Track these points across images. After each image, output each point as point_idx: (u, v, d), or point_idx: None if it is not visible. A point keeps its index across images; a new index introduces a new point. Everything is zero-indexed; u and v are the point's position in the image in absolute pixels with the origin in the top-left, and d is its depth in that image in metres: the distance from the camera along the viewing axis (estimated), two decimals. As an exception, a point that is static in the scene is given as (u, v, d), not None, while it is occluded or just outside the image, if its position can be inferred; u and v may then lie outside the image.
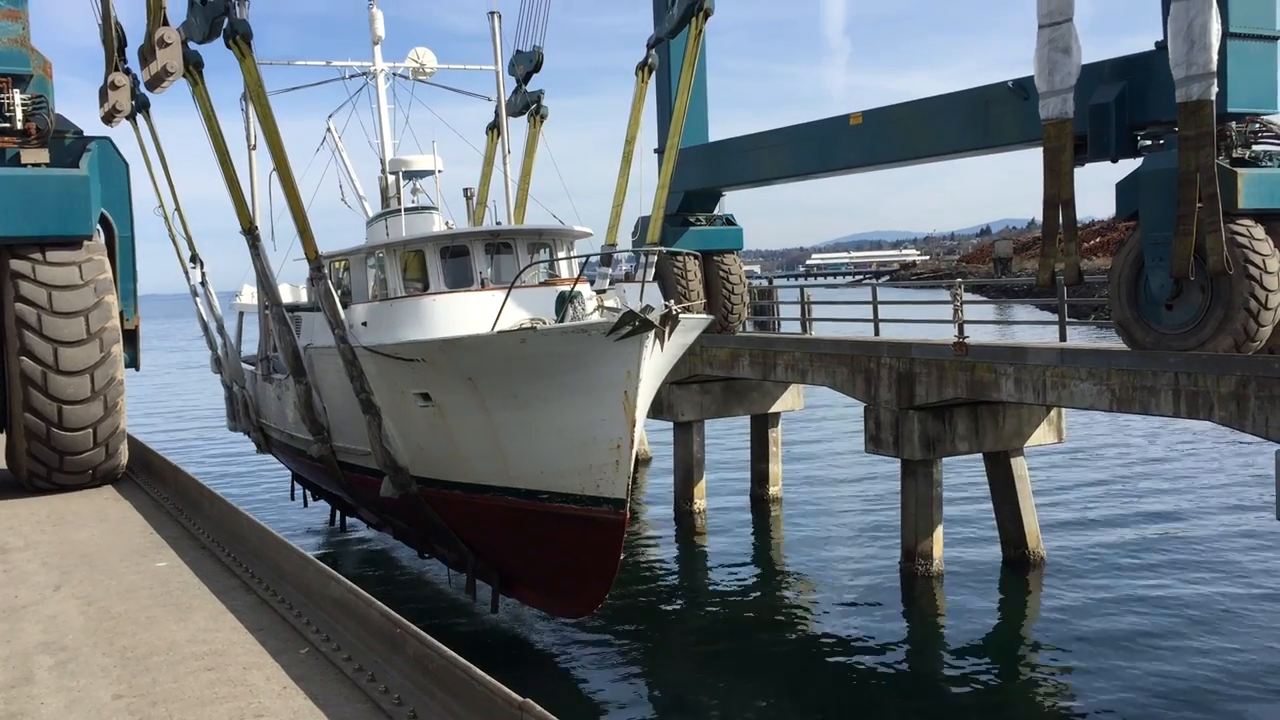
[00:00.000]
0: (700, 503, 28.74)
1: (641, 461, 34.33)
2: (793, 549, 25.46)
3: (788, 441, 32.65)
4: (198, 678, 7.08)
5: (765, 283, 39.40)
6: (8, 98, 13.93)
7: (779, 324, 29.90)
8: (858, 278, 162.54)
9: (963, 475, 28.06)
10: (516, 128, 27.37)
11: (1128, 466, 32.57)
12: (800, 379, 25.23)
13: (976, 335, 21.23)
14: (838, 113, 26.58)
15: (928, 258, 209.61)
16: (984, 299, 60.15)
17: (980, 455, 22.54)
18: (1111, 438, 37.03)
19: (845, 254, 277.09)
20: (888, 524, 25.29)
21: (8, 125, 13.98)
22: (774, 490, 29.62)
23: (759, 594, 22.44)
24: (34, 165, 13.93)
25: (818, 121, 25.40)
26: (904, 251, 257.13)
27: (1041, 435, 22.36)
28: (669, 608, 21.71)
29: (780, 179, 27.55)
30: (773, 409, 29.17)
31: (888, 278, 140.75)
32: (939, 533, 21.89)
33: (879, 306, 24.38)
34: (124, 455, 13.98)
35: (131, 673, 7.21)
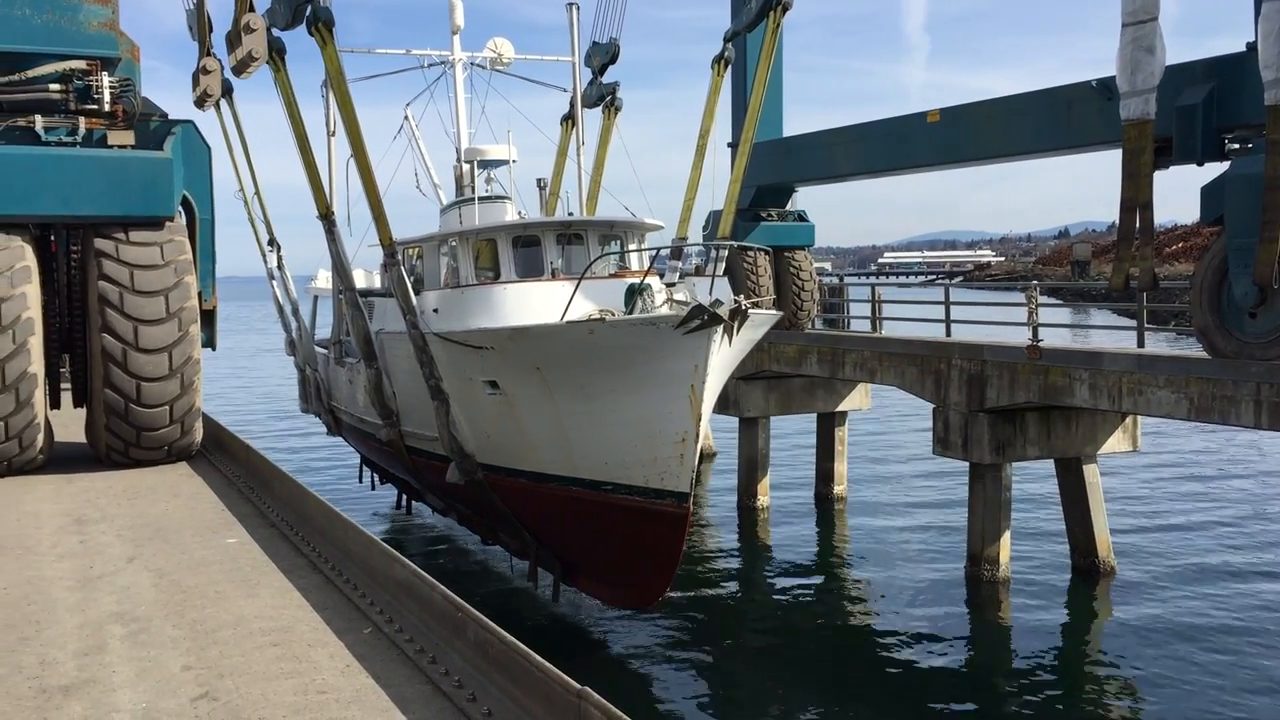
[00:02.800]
0: (764, 499, 28.61)
1: (706, 456, 34.26)
2: (856, 549, 25.25)
3: (854, 440, 32.37)
4: (263, 653, 7.21)
5: (836, 280, 39.10)
6: (96, 80, 14.25)
7: (849, 322, 29.66)
8: (930, 277, 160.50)
9: (1032, 480, 27.59)
10: (591, 119, 27.48)
11: (1204, 477, 31.78)
12: (869, 378, 24.99)
13: (1051, 339, 20.85)
14: (915, 110, 26.27)
15: (1003, 259, 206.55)
16: (1060, 302, 59.02)
17: (1051, 461, 22.17)
18: (1189, 447, 36.16)
19: (918, 253, 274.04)
20: (954, 527, 24.96)
21: (95, 107, 14.29)
22: (839, 489, 29.40)
23: (820, 593, 22.29)
24: (120, 147, 14.24)
25: (894, 118, 25.10)
26: (979, 252, 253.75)
27: (1115, 442, 21.89)
28: (729, 603, 21.66)
29: (854, 176, 27.30)
30: (840, 407, 28.94)
31: (961, 278, 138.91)
32: (1006, 538, 21.55)
33: (951, 307, 24.05)
34: (199, 433, 14.27)
35: (200, 645, 7.35)
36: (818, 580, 23.19)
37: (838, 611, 20.93)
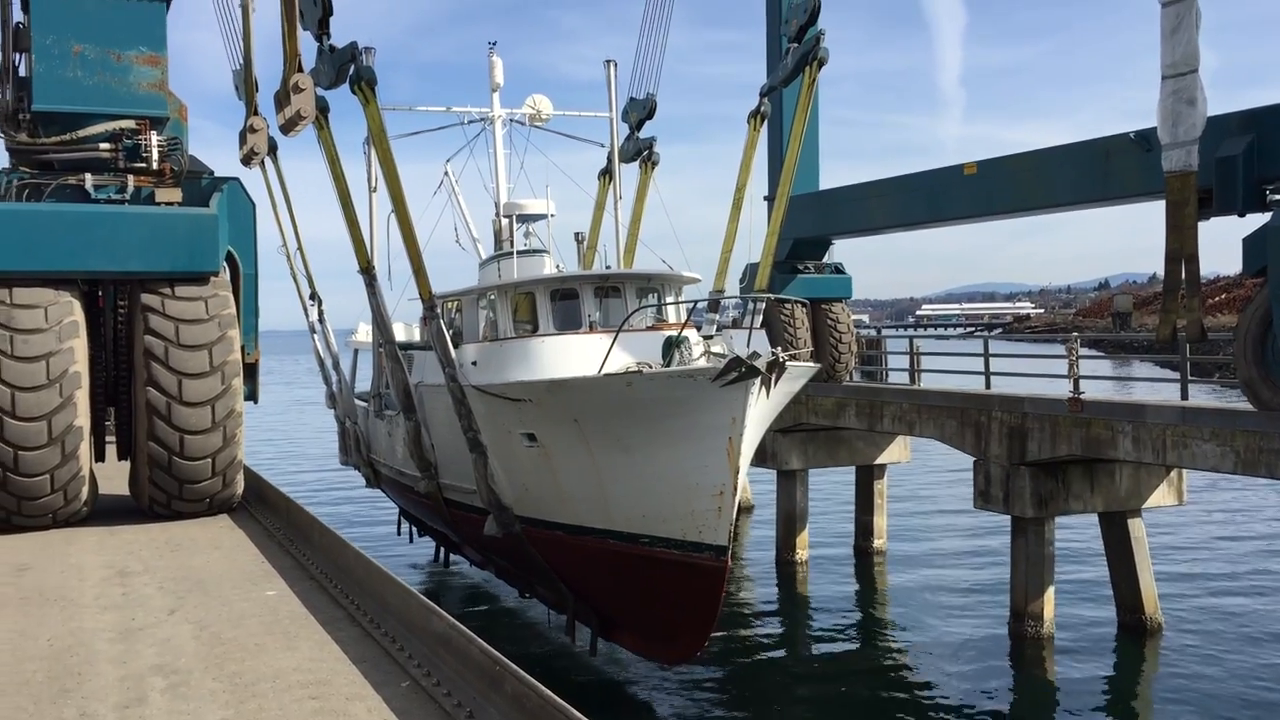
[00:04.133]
0: (802, 553, 28.36)
1: (744, 509, 34.08)
2: (897, 603, 24.92)
3: (893, 493, 32.05)
4: (302, 706, 7.21)
5: (873, 332, 38.95)
6: (145, 139, 14.59)
7: (887, 374, 29.51)
8: (969, 329, 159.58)
9: (1076, 534, 27.18)
10: (628, 174, 27.74)
11: (1253, 531, 31.16)
12: (908, 430, 24.81)
13: (1093, 391, 20.63)
14: (951, 163, 26.28)
15: (1043, 311, 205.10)
16: (1101, 354, 58.43)
17: (1095, 515, 21.83)
18: (1236, 501, 35.50)
19: (956, 305, 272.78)
20: (996, 582, 24.59)
21: (144, 165, 14.61)
22: (878, 543, 29.08)
23: (860, 648, 21.99)
24: (167, 204, 14.53)
25: (931, 171, 25.15)
26: (1018, 304, 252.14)
27: (1161, 496, 21.53)
28: (768, 657, 21.41)
29: (891, 228, 27.32)
30: (879, 460, 28.72)
31: (1000, 330, 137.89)
32: (1050, 593, 21.18)
33: (991, 359, 23.90)
34: (240, 485, 14.39)
35: (239, 698, 7.37)
36: (858, 635, 22.88)
37: (879, 667, 20.62)
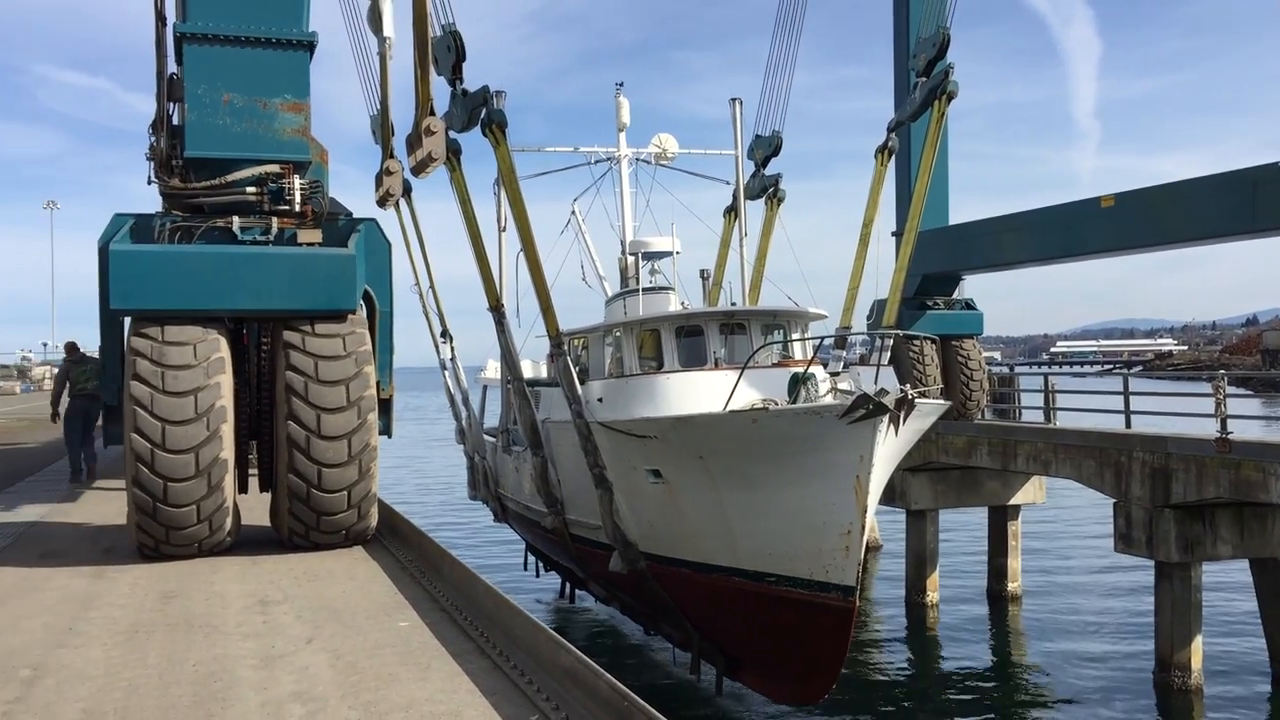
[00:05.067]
0: (932, 595, 27.68)
1: (872, 549, 33.43)
2: (1033, 650, 24.08)
3: (1028, 535, 31.06)
4: (434, 736, 7.31)
5: (1006, 369, 38.01)
6: (289, 183, 15.13)
7: (1020, 412, 28.73)
8: (1107, 367, 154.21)
9: (1225, 580, 25.90)
10: (754, 211, 27.73)
11: None
12: (1043, 470, 24.08)
13: (1241, 431, 19.70)
14: (1086, 196, 25.56)
15: (1186, 347, 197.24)
16: (1250, 393, 55.92)
17: (1246, 560, 20.78)
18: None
19: (1093, 342, 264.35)
20: (1138, 629, 23.60)
21: (288, 208, 15.17)
22: (1013, 586, 28.20)
23: (994, 696, 21.28)
24: (308, 244, 15.05)
25: (1066, 204, 24.54)
26: (1159, 340, 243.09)
27: (1318, 542, 20.40)
28: (898, 700, 20.89)
29: (1024, 263, 26.71)
30: (1012, 500, 27.93)
31: (1141, 367, 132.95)
32: (1198, 642, 20.21)
33: (1131, 397, 23.04)
34: (374, 517, 14.72)
35: (373, 727, 7.51)
36: (992, 682, 22.16)
37: (1013, 716, 19.91)
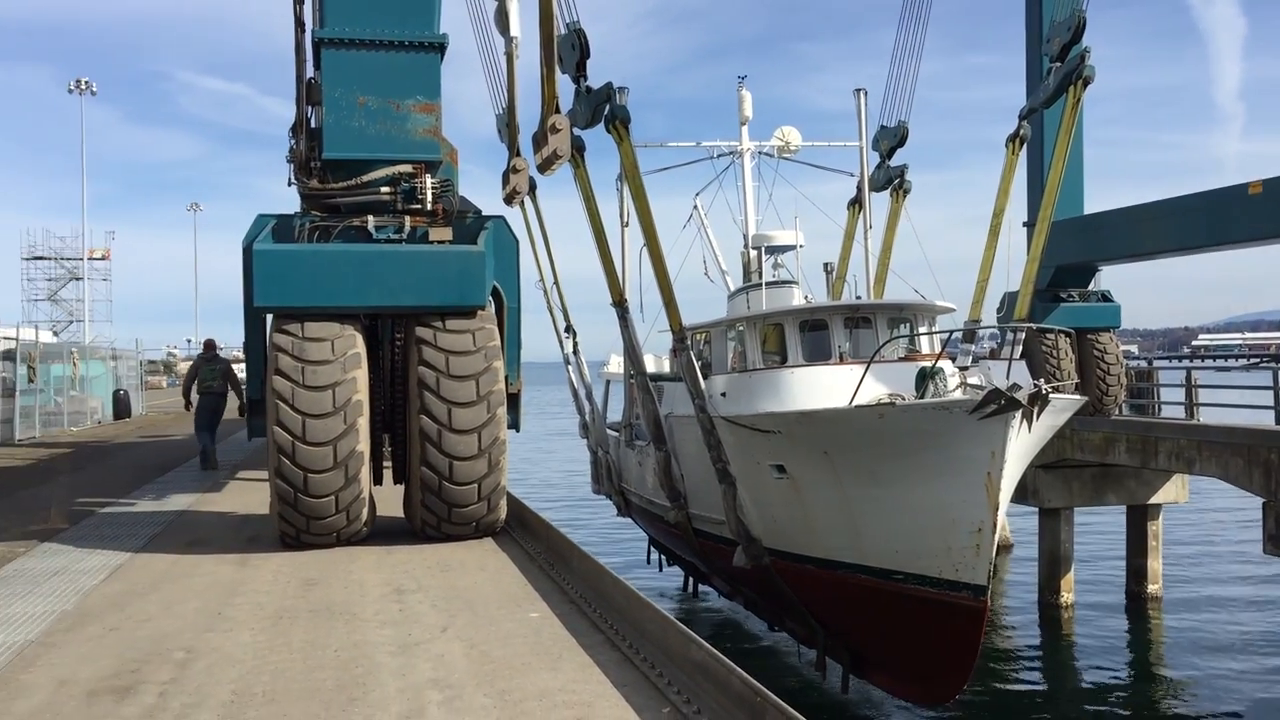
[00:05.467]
0: (1067, 596, 26.90)
1: (1003, 548, 32.65)
2: (1173, 655, 23.21)
3: (1169, 535, 29.94)
4: (567, 726, 7.41)
5: (1144, 363, 36.67)
6: (421, 182, 15.47)
7: (1159, 408, 27.70)
8: (1254, 360, 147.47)
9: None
10: (878, 202, 27.35)
11: None
12: (1185, 468, 23.18)
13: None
14: (1229, 183, 24.49)
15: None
16: None
17: None
18: None
19: (1238, 334, 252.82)
20: (1290, 636, 22.54)
21: (420, 206, 15.51)
22: (1153, 588, 27.23)
23: (1132, 700, 20.59)
24: (439, 242, 15.37)
25: (1210, 191, 23.51)
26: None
27: None
28: (1030, 703, 20.38)
29: (1165, 253, 25.71)
30: (1152, 499, 26.94)
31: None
32: (1355, 651, 19.23)
33: (1282, 392, 22.01)
34: (503, 510, 14.96)
35: (509, 715, 7.65)
36: (1129, 687, 21.44)
37: (1154, 722, 19.26)
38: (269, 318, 15.24)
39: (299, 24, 16.33)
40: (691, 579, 28.51)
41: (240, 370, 19.86)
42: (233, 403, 22.86)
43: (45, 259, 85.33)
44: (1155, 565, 27.41)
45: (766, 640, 23.84)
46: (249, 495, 20.24)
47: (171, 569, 13.34)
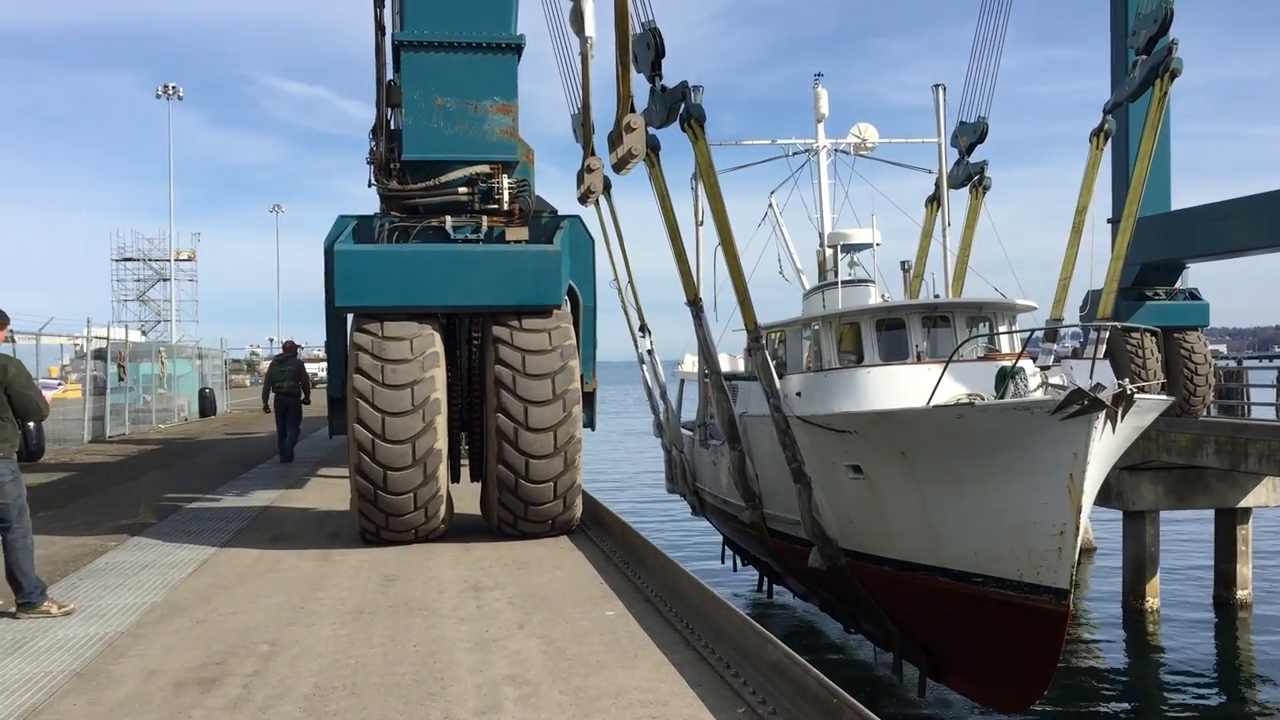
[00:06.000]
0: (1152, 601, 26.26)
1: (1085, 551, 31.97)
2: (1264, 664, 22.54)
3: (1260, 540, 29.07)
4: (642, 725, 7.43)
5: (1233, 363, 35.69)
6: (498, 183, 15.60)
7: (1249, 408, 26.94)
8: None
9: None
10: (957, 199, 26.97)
11: None
12: (1276, 471, 22.51)
13: None
14: (1327, 175, 23.71)
15: None
16: None
17: None
18: None
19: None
20: (1389, 646, 21.76)
21: (497, 207, 15.65)
22: (1242, 594, 26.46)
23: (1218, 709, 20.03)
24: (516, 242, 15.49)
25: (1302, 185, 22.79)
26: None
27: None
28: (1112, 711, 19.95)
29: (1255, 250, 25.00)
30: (1242, 503, 26.19)
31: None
32: None
33: (1380, 393, 21.26)
34: (579, 508, 15.03)
35: (584, 712, 7.69)
36: (1216, 695, 20.88)
37: (1244, 732, 18.72)
38: (350, 317, 15.49)
39: (379, 27, 16.57)
40: (766, 579, 28.38)
41: (319, 369, 20.35)
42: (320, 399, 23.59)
43: (134, 260, 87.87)
44: (1244, 570, 26.63)
45: (842, 642, 23.65)
46: (330, 492, 20.61)
47: (256, 563, 13.63)
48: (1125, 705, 20.44)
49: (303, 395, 26.15)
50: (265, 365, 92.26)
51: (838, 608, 21.75)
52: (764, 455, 20.21)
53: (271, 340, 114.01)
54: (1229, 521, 26.50)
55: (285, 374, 26.46)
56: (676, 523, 38.11)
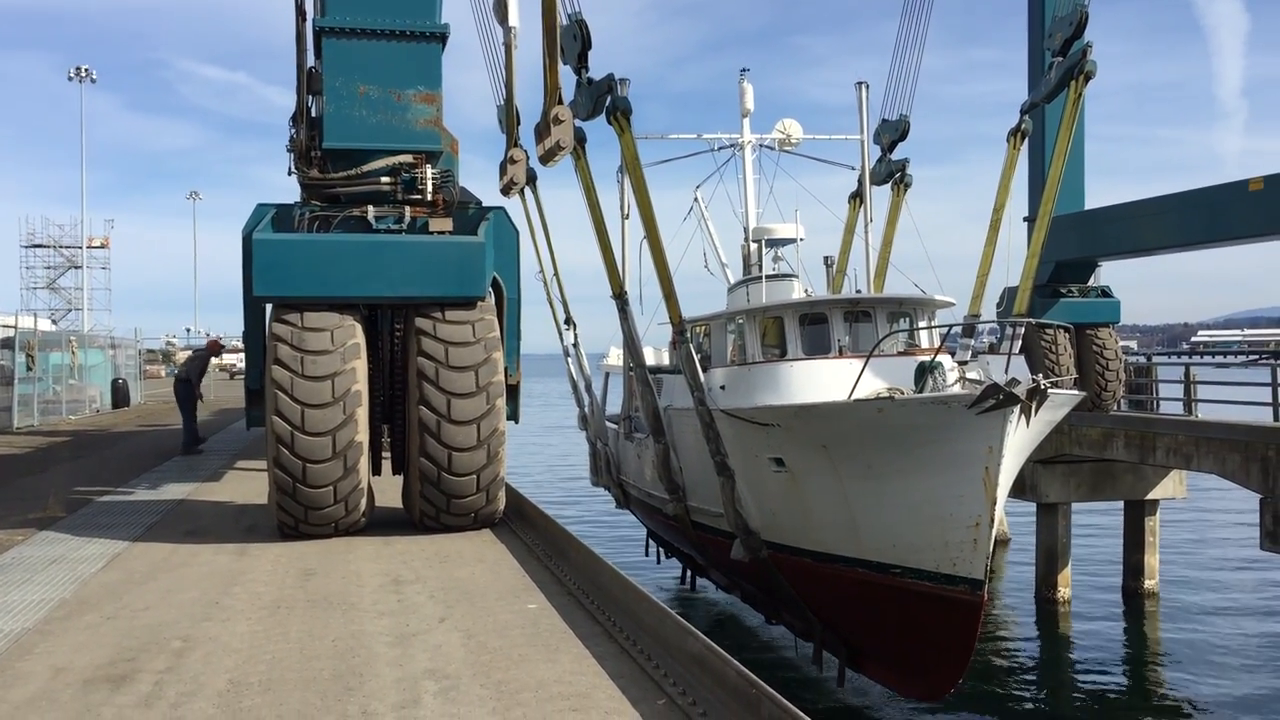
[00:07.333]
0: (1064, 591, 26.95)
1: (1000, 542, 32.70)
2: (1169, 651, 23.25)
3: (1167, 531, 29.97)
4: (565, 717, 7.42)
5: (1143, 359, 36.70)
6: (421, 173, 15.43)
7: (1158, 404, 27.73)
8: (1253, 357, 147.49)
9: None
10: (879, 196, 27.32)
11: None
12: (1183, 464, 23.22)
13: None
14: (1230, 179, 24.48)
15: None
16: None
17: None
18: None
19: (1238, 331, 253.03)
20: (1285, 633, 22.57)
21: (419, 197, 15.48)
22: (1149, 584, 27.28)
23: (1126, 696, 20.64)
24: (439, 233, 15.34)
25: (1211, 187, 23.54)
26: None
27: None
28: (1026, 698, 20.43)
29: (1165, 249, 25.74)
30: (1150, 495, 26.98)
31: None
32: (1351, 648, 19.27)
33: (1280, 389, 22.02)
34: (502, 501, 14.95)
35: (505, 706, 7.66)
36: (1124, 682, 21.49)
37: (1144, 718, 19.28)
38: (268, 307, 15.21)
39: (300, 13, 16.26)
40: (689, 571, 28.55)
41: (237, 360, 20.17)
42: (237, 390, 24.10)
43: (44, 247, 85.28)
44: (1152, 561, 27.46)
45: (764, 633, 23.89)
46: (247, 485, 20.24)
47: (170, 558, 13.34)
48: (1039, 692, 20.94)
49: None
50: (181, 356, 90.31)
51: (760, 599, 21.95)
52: (688, 448, 20.31)
53: (189, 330, 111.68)
54: (1138, 513, 27.28)
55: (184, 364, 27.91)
56: (601, 516, 38.15)
